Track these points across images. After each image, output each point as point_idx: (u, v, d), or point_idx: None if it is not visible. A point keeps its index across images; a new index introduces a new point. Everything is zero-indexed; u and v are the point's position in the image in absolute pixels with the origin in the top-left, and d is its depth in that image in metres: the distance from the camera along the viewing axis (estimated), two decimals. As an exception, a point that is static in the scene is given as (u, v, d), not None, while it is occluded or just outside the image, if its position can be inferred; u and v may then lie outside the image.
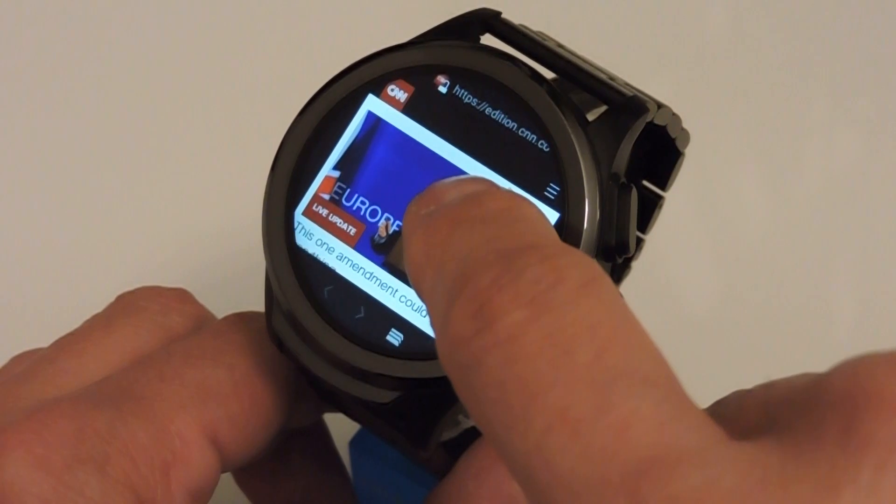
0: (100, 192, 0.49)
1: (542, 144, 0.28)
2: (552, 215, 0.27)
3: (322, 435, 0.34)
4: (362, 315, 0.28)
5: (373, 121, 0.29)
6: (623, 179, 0.28)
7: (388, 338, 0.28)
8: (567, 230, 0.27)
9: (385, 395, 0.28)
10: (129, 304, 0.31)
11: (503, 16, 0.30)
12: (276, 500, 0.33)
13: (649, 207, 0.33)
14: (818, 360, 0.45)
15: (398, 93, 0.29)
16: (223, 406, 0.28)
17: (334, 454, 0.34)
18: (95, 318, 0.31)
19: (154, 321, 0.30)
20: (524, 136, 0.28)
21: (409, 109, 0.28)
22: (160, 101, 0.52)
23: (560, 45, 0.30)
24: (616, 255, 0.28)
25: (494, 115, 0.28)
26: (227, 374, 0.28)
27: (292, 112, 0.29)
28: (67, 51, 0.53)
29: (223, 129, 0.51)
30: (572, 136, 0.28)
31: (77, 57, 0.53)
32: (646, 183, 0.33)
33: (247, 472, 0.33)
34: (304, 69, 0.50)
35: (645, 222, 0.34)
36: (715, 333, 0.45)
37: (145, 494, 0.26)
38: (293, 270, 0.28)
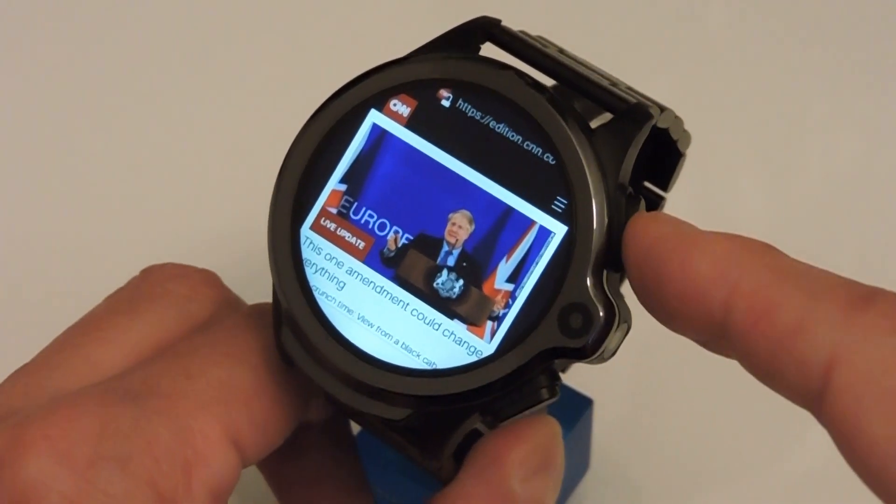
0: (104, 193, 0.49)
1: (547, 157, 0.27)
2: (560, 229, 0.27)
3: (338, 415, 0.34)
4: (373, 331, 0.28)
5: (378, 133, 0.28)
6: (630, 190, 0.28)
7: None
8: (576, 243, 0.27)
9: (398, 413, 0.27)
10: (155, 286, 0.30)
11: (503, 23, 0.29)
12: (290, 477, 0.33)
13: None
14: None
15: (401, 107, 0.28)
16: (246, 407, 0.28)
17: (348, 433, 0.34)
18: (119, 297, 0.30)
19: (180, 308, 0.30)
20: (529, 149, 0.27)
21: (412, 124, 0.28)
22: (169, 106, 0.52)
23: (561, 51, 0.30)
24: (624, 266, 0.27)
25: (499, 128, 0.28)
26: (251, 374, 0.28)
27: (299, 115, 0.29)
28: (75, 51, 0.53)
29: (229, 132, 0.51)
30: (577, 148, 0.27)
31: (85, 57, 0.53)
32: (647, 184, 0.34)
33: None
34: (308, 73, 0.50)
35: (646, 224, 0.34)
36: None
37: (167, 493, 0.26)
38: (300, 287, 0.28)
